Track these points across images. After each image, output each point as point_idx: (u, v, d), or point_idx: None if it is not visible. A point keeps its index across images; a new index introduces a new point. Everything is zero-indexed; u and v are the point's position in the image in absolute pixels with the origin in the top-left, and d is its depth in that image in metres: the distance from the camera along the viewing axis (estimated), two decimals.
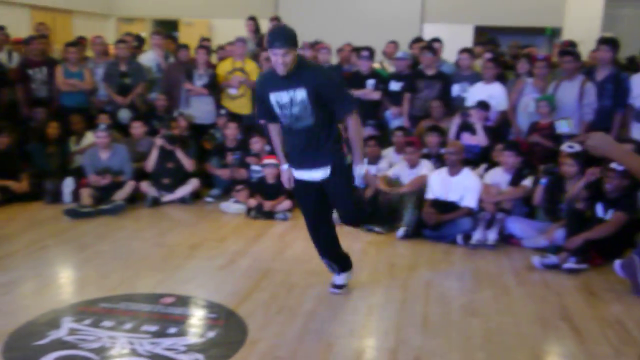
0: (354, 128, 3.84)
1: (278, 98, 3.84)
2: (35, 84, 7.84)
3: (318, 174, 3.99)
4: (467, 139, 6.67)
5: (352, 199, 4.06)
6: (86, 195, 6.52)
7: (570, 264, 4.96)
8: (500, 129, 7.04)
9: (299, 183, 4.13)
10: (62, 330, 3.70)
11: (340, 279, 4.45)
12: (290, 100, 3.80)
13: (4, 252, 5.16)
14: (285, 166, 4.19)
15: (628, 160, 2.22)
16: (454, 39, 9.13)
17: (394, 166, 6.54)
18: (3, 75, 7.77)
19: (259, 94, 4.06)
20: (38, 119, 7.53)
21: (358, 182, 3.96)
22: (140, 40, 9.43)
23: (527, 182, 5.82)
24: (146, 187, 6.91)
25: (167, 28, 13.14)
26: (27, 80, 7.83)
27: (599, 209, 5.21)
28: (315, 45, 8.47)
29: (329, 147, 3.91)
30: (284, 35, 3.67)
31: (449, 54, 8.30)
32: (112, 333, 3.69)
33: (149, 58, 8.53)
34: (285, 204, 6.47)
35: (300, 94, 3.77)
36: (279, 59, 3.67)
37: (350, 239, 5.68)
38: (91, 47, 8.59)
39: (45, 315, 3.91)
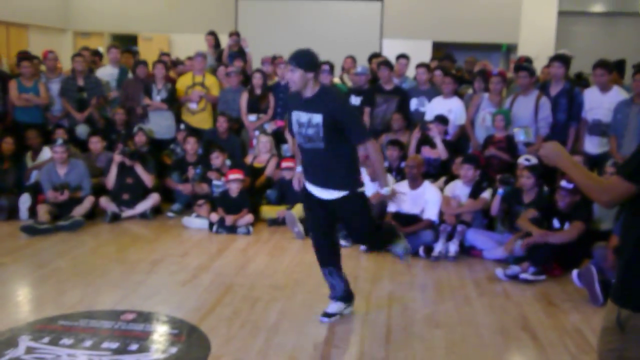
0: (374, 154, 3.98)
1: (298, 117, 4.03)
2: None
3: (327, 195, 4.07)
4: (427, 152, 6.76)
5: (365, 224, 4.15)
6: (43, 211, 6.38)
7: (527, 275, 5.06)
8: (459, 143, 7.17)
9: (309, 194, 4.19)
10: (20, 349, 3.60)
11: (332, 306, 4.29)
12: (308, 121, 3.96)
13: None
14: (299, 168, 4.34)
15: (575, 172, 2.27)
16: (413, 55, 9.25)
17: None
18: None
19: (288, 107, 4.34)
20: None
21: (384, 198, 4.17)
22: (98, 55, 9.32)
23: (486, 194, 5.93)
24: (105, 202, 6.80)
25: (125, 43, 13.02)
26: None
27: (555, 223, 5.34)
28: (274, 60, 8.50)
29: (342, 175, 4.03)
30: (296, 54, 3.95)
31: (409, 70, 8.42)
32: (71, 351, 3.61)
33: (107, 72, 8.44)
34: (248, 217, 6.44)
35: (317, 118, 3.93)
36: (287, 74, 4.00)
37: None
38: (44, 62, 8.43)
39: (2, 334, 3.80)
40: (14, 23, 12.61)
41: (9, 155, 7.08)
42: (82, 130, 7.77)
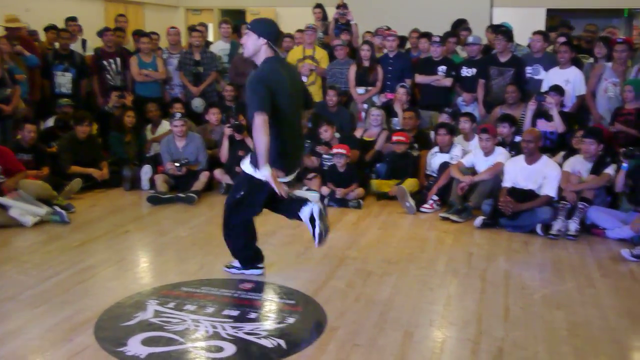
0: (254, 132, 3.74)
1: None
2: (110, 74, 8.07)
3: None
4: (543, 125, 6.49)
5: (230, 200, 4.39)
6: (161, 181, 6.67)
7: None
8: (579, 115, 6.83)
9: None
10: (148, 313, 3.79)
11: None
12: None
13: (89, 237, 5.34)
14: None
15: None
16: (525, 23, 8.88)
17: (468, 154, 6.41)
18: (83, 67, 8.03)
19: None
20: (114, 103, 7.76)
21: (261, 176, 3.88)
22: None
23: (610, 170, 5.60)
24: (220, 174, 7.01)
25: (234, 18, 13.26)
26: (102, 71, 8.06)
27: None
28: (383, 32, 8.39)
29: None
30: (254, 20, 3.99)
31: (522, 39, 8.08)
32: (195, 316, 3.75)
33: (218, 47, 8.64)
34: (358, 191, 6.45)
35: None
36: (243, 38, 4.05)
37: (426, 227, 5.68)
38: (166, 37, 8.73)
39: (130, 298, 4.02)
40: (131, 1, 13.16)
41: (130, 128, 7.43)
42: (197, 103, 8.02)
